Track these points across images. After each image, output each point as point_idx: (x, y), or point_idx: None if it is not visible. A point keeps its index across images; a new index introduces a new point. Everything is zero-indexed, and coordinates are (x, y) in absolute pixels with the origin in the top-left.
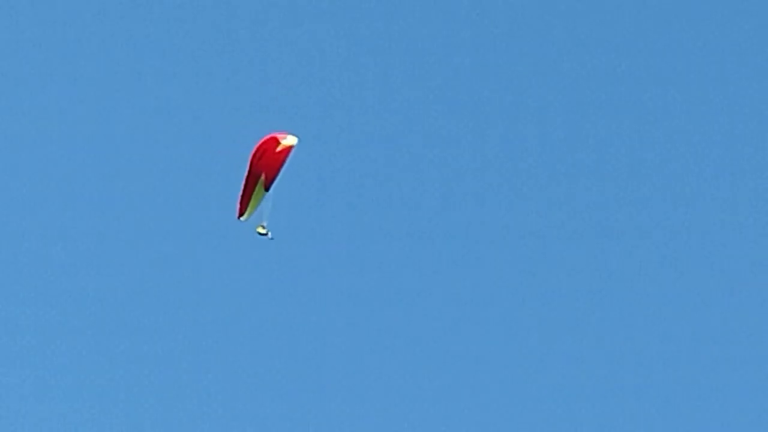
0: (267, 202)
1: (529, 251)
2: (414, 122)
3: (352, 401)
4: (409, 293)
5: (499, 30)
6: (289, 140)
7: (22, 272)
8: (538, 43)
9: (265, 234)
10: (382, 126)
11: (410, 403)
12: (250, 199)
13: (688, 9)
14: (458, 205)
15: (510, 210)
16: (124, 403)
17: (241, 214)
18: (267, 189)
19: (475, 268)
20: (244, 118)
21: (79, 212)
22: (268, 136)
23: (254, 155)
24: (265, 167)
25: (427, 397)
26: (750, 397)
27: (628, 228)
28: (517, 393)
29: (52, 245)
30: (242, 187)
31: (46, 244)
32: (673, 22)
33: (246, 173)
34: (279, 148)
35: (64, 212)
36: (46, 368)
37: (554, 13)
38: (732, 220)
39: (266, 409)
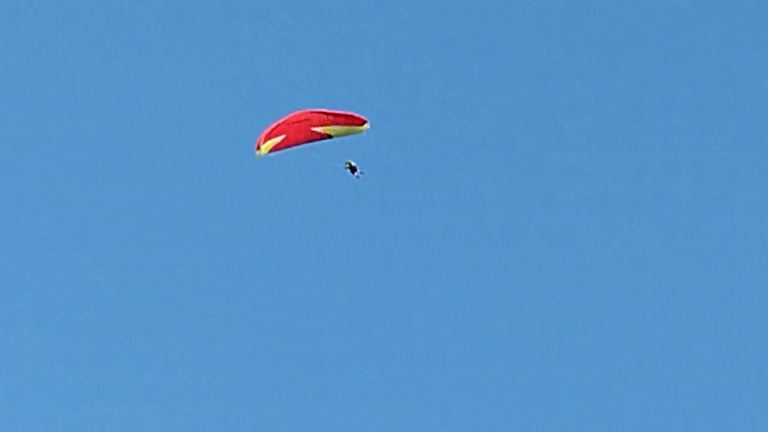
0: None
1: (527, 251)
2: (421, 123)
3: (351, 401)
4: (408, 293)
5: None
6: (358, 128)
7: (22, 272)
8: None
9: (354, 169)
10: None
11: (410, 402)
12: (268, 138)
13: (689, 9)
14: (458, 205)
15: (509, 210)
16: (124, 402)
17: (258, 148)
18: (271, 151)
19: (474, 267)
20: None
21: (78, 212)
22: (340, 112)
23: (298, 115)
24: (292, 132)
25: (426, 397)
26: (750, 397)
27: (627, 228)
28: (517, 392)
29: (53, 245)
30: (273, 125)
31: (46, 242)
32: (673, 22)
33: (282, 119)
34: (322, 129)
35: (64, 212)
36: (45, 368)
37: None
38: (732, 220)
39: (266, 409)
